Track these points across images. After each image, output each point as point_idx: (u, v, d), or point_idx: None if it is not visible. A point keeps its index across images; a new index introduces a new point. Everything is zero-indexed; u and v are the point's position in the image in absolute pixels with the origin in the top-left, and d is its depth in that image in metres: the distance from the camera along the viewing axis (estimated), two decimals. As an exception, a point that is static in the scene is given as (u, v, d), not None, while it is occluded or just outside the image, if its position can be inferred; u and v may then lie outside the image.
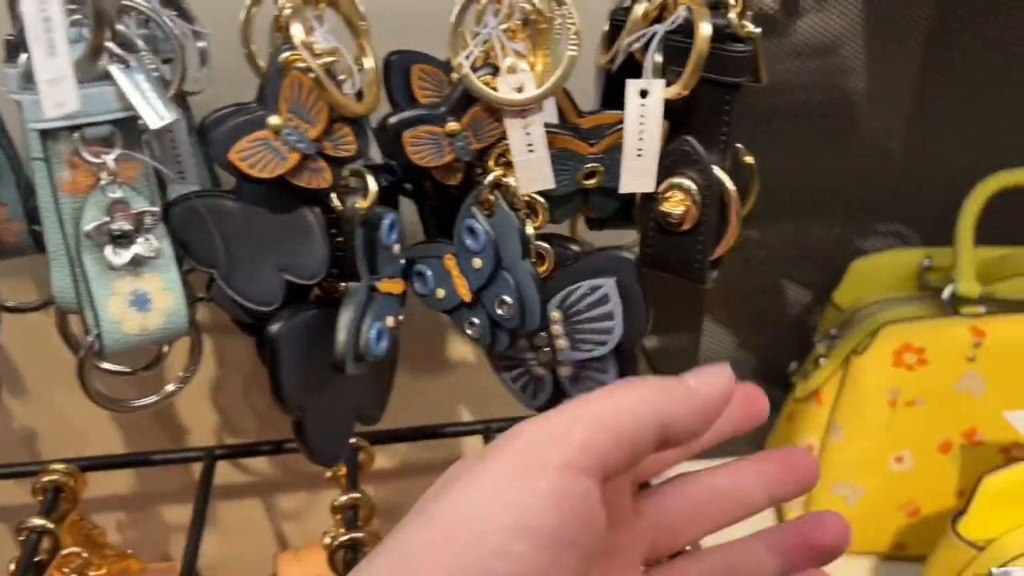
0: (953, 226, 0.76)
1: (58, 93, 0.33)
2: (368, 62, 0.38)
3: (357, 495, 0.51)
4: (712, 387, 0.27)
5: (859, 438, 0.79)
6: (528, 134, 0.39)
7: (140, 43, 0.37)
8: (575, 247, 0.43)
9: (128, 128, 0.36)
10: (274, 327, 0.38)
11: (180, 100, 0.42)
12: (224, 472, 0.59)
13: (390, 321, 0.41)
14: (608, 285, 0.41)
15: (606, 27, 0.43)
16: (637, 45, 0.39)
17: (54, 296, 0.39)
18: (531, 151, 0.39)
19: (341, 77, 0.38)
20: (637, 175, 0.40)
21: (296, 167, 0.37)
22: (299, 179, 0.37)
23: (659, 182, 0.41)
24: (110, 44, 0.35)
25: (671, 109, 0.39)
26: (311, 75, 0.35)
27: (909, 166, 0.80)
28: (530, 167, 0.40)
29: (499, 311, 0.41)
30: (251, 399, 0.61)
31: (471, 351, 0.63)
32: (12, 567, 0.45)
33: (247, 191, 0.38)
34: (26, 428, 0.60)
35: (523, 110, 0.38)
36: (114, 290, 0.37)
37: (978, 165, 0.75)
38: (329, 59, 0.36)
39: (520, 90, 0.38)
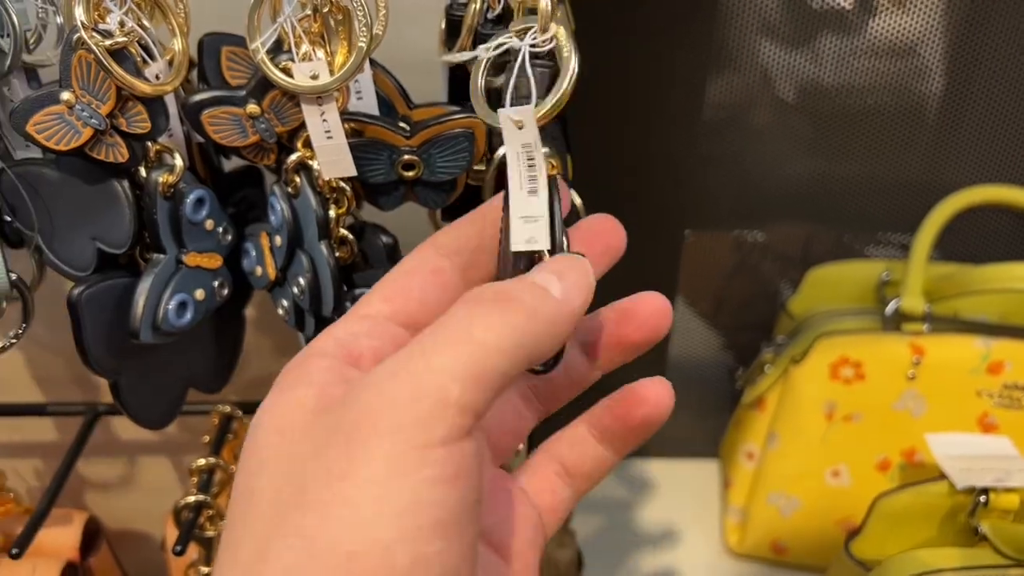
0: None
1: None
2: (177, 43, 0.40)
3: (214, 460, 0.53)
4: (579, 290, 0.24)
5: (795, 449, 0.78)
6: (325, 120, 0.40)
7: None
8: (386, 238, 0.44)
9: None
10: (75, 291, 0.40)
11: (31, 73, 0.45)
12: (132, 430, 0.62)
13: (199, 294, 0.43)
14: None
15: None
16: (485, 55, 0.36)
17: None
18: (329, 138, 0.40)
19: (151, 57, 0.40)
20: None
21: (91, 141, 0.39)
22: (98, 152, 0.39)
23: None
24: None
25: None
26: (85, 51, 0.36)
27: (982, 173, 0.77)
28: (329, 153, 0.41)
29: (294, 290, 0.42)
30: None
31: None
32: None
33: (64, 162, 0.41)
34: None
35: (319, 97, 0.39)
36: None
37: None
38: (122, 39, 0.38)
39: (315, 78, 0.39)
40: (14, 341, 0.45)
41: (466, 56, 0.32)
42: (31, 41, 0.45)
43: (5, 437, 0.66)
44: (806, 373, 0.75)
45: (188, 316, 0.42)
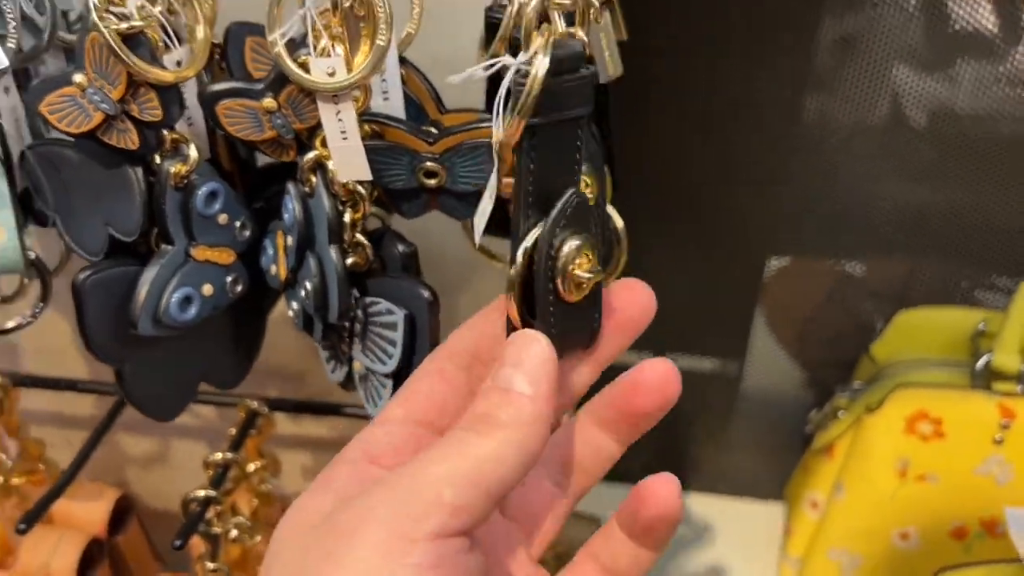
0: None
1: None
2: (199, 31, 0.39)
3: (230, 456, 0.52)
4: (542, 373, 0.26)
5: (862, 504, 0.72)
6: (340, 120, 0.38)
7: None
8: (403, 247, 0.42)
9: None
10: (81, 275, 0.40)
11: (69, 52, 0.44)
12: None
13: (206, 289, 0.41)
14: (399, 316, 0.39)
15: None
16: (482, 73, 0.33)
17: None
18: (345, 138, 0.38)
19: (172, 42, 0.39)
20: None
21: (103, 125, 0.38)
22: (109, 137, 0.38)
23: (551, 241, 0.29)
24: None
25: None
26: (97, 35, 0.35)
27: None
28: (344, 154, 0.39)
29: (302, 294, 0.41)
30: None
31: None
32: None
33: (82, 144, 0.40)
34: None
35: (335, 95, 0.38)
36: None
37: None
38: (138, 24, 0.37)
39: (332, 74, 0.37)
40: (31, 320, 0.44)
41: (463, 75, 0.30)
42: (72, 20, 0.44)
43: (53, 407, 0.67)
44: (879, 424, 0.70)
45: (192, 311, 0.41)
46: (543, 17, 0.32)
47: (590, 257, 0.30)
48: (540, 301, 0.29)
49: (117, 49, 0.36)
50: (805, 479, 0.80)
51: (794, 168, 0.73)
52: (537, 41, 0.27)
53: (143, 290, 0.40)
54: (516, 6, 0.32)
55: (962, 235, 0.74)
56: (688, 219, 0.77)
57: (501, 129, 0.28)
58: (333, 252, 0.40)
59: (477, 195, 0.41)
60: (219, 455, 0.52)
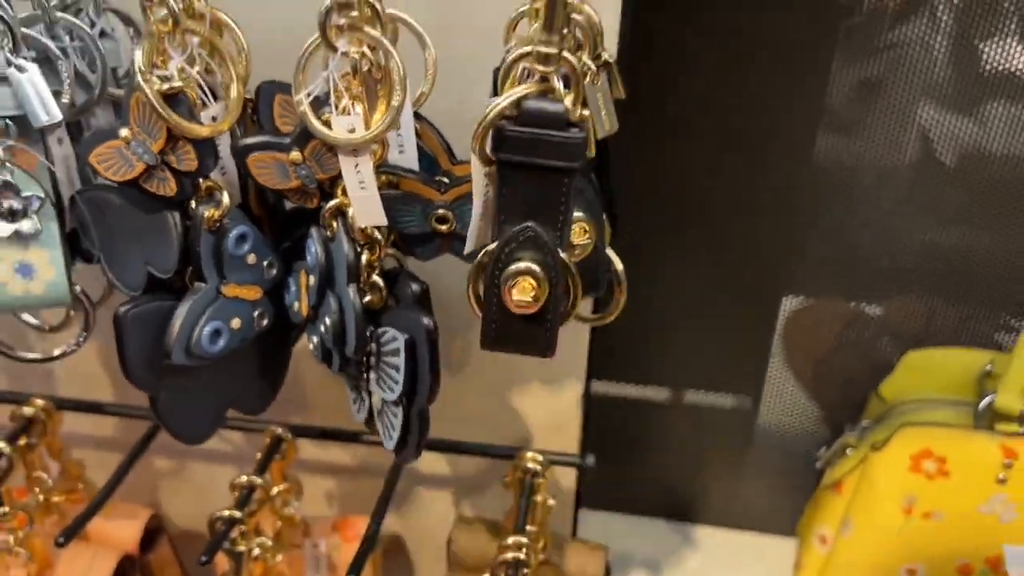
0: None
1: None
2: (234, 89, 0.43)
3: (255, 479, 0.55)
4: None
5: (869, 539, 0.74)
6: (359, 171, 0.42)
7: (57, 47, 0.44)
8: (416, 286, 0.45)
9: (23, 123, 0.43)
10: (122, 309, 0.44)
11: (117, 106, 0.49)
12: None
13: (235, 323, 0.45)
14: (400, 341, 0.42)
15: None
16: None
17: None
18: (363, 188, 0.42)
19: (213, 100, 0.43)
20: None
21: (144, 174, 0.42)
22: (150, 185, 0.42)
23: (499, 268, 0.39)
24: (8, 54, 0.41)
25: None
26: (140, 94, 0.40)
27: None
28: (363, 203, 0.42)
29: (322, 329, 0.44)
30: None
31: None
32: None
33: (126, 191, 0.44)
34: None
35: (355, 149, 0.41)
36: (1, 257, 0.44)
37: None
38: (177, 84, 0.41)
39: (352, 131, 0.41)
40: (75, 348, 0.48)
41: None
42: (121, 76, 0.49)
43: (91, 430, 0.71)
44: (885, 461, 0.71)
45: (221, 343, 0.45)
46: (531, 73, 0.36)
47: (534, 285, 0.38)
48: (486, 298, 0.39)
49: (159, 107, 0.40)
50: (815, 514, 0.81)
51: (814, 206, 0.75)
52: (511, 89, 0.31)
53: (177, 323, 0.43)
54: (507, 62, 0.36)
55: (982, 278, 0.75)
56: (707, 254, 0.79)
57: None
58: (351, 291, 0.43)
59: (485, 240, 0.44)
60: (245, 478, 0.55)
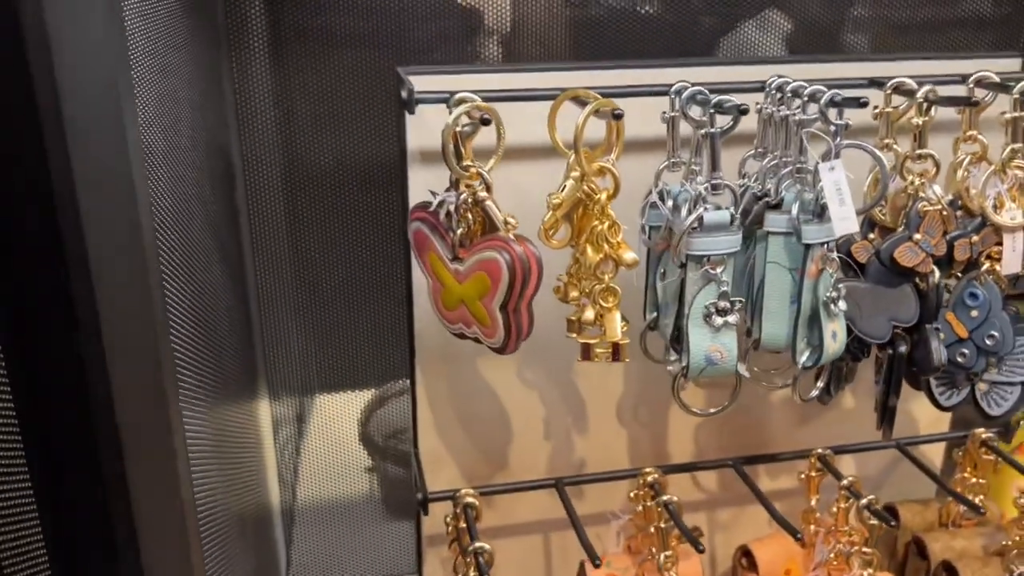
0: None
1: (844, 225, 0.64)
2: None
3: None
4: None
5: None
6: (1014, 245, 0.72)
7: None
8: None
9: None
10: (900, 347, 0.70)
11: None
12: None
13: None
14: None
15: None
16: None
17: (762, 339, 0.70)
18: (1013, 251, 0.73)
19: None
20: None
21: (922, 262, 0.69)
22: (918, 266, 0.70)
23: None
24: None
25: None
26: (932, 210, 0.68)
27: None
28: (1012, 262, 0.73)
29: (988, 342, 0.74)
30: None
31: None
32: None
33: (872, 275, 0.70)
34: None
35: (1013, 230, 0.72)
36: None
37: None
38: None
39: (1014, 219, 0.72)
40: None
41: None
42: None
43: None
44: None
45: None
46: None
47: None
48: None
49: (944, 219, 0.68)
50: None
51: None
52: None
53: (932, 343, 0.71)
54: None
55: None
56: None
57: None
58: (1006, 314, 0.73)
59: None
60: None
